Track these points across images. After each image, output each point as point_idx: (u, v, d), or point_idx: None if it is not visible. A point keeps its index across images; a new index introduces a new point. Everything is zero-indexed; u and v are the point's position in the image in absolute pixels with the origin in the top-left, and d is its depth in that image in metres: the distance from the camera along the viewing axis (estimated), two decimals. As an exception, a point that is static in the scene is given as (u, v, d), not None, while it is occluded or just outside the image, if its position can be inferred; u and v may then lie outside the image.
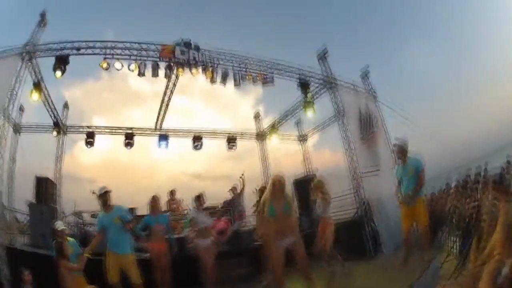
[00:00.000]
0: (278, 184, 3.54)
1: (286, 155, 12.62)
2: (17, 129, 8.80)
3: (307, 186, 9.02)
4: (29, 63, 6.75)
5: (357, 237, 8.02)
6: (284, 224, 3.43)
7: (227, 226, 8.03)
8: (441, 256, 4.63)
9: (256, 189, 6.82)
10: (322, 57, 9.08)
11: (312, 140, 12.41)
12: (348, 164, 9.14)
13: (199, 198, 5.21)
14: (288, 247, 3.42)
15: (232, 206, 8.90)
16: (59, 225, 4.31)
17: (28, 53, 6.57)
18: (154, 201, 5.11)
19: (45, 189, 7.53)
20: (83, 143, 9.24)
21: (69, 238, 4.33)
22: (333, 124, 10.02)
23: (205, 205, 9.08)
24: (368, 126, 9.67)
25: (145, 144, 10.16)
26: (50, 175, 9.00)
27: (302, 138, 12.37)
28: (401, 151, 4.71)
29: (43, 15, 6.86)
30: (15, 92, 6.57)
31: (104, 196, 4.24)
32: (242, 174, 8.34)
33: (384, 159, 9.21)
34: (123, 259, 4.07)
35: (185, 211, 8.18)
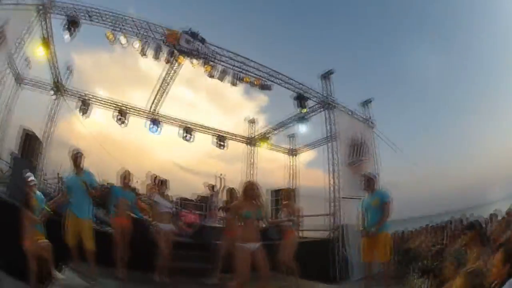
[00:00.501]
0: (250, 190, 3.60)
1: (279, 166, 12.59)
2: (19, 80, 8.93)
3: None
4: (43, 18, 6.88)
5: (326, 258, 7.99)
6: (254, 229, 3.49)
7: (196, 220, 8.14)
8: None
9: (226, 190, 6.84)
10: (326, 76, 9.11)
11: (306, 157, 12.45)
12: (330, 186, 9.14)
13: (163, 183, 5.22)
14: (253, 253, 3.45)
15: (206, 202, 8.97)
16: (29, 176, 4.38)
17: (44, 7, 6.71)
18: (126, 175, 5.13)
19: (29, 144, 7.62)
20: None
21: (37, 192, 4.38)
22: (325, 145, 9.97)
23: (181, 197, 9.20)
24: (358, 153, 9.68)
25: (140, 125, 10.18)
26: (40, 133, 9.15)
27: (293, 153, 12.42)
28: (368, 181, 4.55)
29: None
30: (23, 42, 6.72)
31: (75, 157, 4.27)
32: (221, 174, 8.43)
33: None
34: (81, 223, 4.08)
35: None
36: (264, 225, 4.96)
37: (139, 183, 7.68)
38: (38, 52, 7.51)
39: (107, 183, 7.37)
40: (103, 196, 5.90)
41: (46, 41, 7.36)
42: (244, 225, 3.52)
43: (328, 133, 9.14)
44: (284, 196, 5.41)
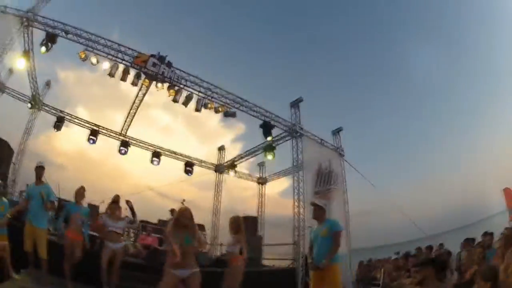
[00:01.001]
0: (181, 215, 3.63)
1: (253, 195, 12.68)
2: (1, 87, 9.17)
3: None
4: (26, 30, 7.29)
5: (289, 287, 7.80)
6: (184, 255, 3.44)
7: (154, 243, 8.12)
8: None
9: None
10: (295, 104, 9.27)
11: (279, 186, 12.49)
12: (295, 214, 9.03)
13: (114, 203, 5.30)
14: (184, 279, 3.44)
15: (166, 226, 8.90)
16: None
17: (28, 20, 7.11)
18: (80, 191, 5.26)
19: (2, 153, 7.97)
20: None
21: (4, 198, 4.69)
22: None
23: (143, 219, 9.17)
24: (326, 181, 9.65)
25: (114, 146, 10.38)
26: (16, 143, 9.29)
27: (262, 181, 12.52)
28: (318, 210, 4.16)
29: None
30: (5, 52, 7.10)
31: (39, 169, 4.72)
32: (183, 200, 8.44)
33: (337, 217, 9.11)
34: (36, 232, 4.41)
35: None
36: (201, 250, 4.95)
37: (104, 203, 7.74)
38: (18, 63, 7.81)
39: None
40: (57, 210, 6.09)
41: (27, 53, 7.72)
42: (176, 250, 3.42)
43: (295, 161, 9.17)
44: (231, 223, 5.35)
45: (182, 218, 3.58)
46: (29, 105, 9.67)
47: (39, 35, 7.42)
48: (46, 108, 9.93)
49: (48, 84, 10.08)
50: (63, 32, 7.32)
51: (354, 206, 10.46)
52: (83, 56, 7.35)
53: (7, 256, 4.30)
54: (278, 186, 12.53)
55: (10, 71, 9.21)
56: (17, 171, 9.36)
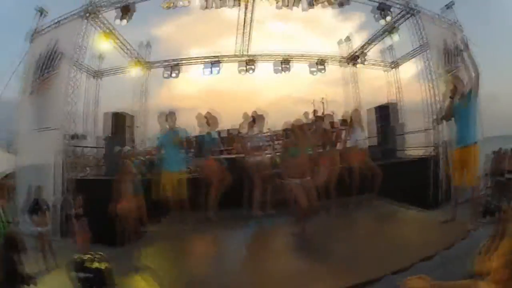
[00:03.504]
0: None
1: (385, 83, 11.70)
2: (98, 75, 9.87)
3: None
4: (95, 20, 7.31)
5: (423, 180, 7.24)
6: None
7: None
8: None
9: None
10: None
11: (410, 70, 11.51)
12: (428, 98, 8.53)
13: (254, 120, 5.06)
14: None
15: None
16: (125, 149, 4.90)
17: (89, 13, 7.05)
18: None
19: (119, 123, 8.25)
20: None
21: (134, 160, 4.99)
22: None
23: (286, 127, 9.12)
24: (454, 59, 8.93)
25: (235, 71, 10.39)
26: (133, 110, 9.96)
27: (394, 65, 11.36)
28: (460, 84, 3.80)
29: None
30: (83, 47, 7.20)
31: (167, 116, 4.60)
32: (322, 98, 8.21)
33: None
34: (176, 176, 4.36)
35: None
36: None
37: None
38: (106, 45, 8.21)
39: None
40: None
41: (107, 34, 7.91)
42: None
43: (420, 40, 8.54)
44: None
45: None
46: (134, 71, 9.95)
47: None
48: (157, 65, 10.40)
49: (148, 44, 10.28)
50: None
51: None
52: (167, 5, 7.25)
53: (143, 213, 4.38)
54: (407, 71, 11.06)
55: (101, 56, 9.77)
56: (143, 133, 10.08)
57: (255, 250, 3.66)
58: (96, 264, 2.59)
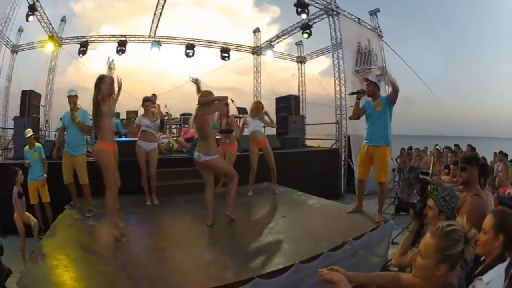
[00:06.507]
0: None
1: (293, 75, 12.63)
2: (15, 49, 9.09)
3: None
4: None
5: (333, 170, 8.11)
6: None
7: (194, 135, 7.13)
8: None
9: None
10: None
11: (320, 66, 12.35)
12: (336, 93, 9.20)
13: (147, 101, 4.72)
14: None
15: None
16: (27, 132, 4.68)
17: None
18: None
19: (28, 101, 7.41)
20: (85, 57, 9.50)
21: (36, 144, 4.71)
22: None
23: (184, 112, 9.01)
24: (366, 61, 9.41)
25: (145, 52, 10.36)
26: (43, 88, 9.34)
27: (301, 60, 12.27)
28: (372, 86, 3.67)
29: None
30: (9, 19, 6.60)
31: (69, 98, 4.26)
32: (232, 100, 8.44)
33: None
34: (75, 160, 4.12)
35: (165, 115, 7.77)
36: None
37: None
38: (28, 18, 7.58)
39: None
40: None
41: (33, 7, 7.36)
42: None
43: (333, 40, 8.88)
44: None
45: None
46: (48, 46, 9.16)
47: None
48: (67, 41, 9.55)
49: (63, 19, 9.45)
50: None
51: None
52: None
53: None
54: (317, 66, 12.36)
55: (21, 31, 9.00)
56: (48, 112, 9.69)
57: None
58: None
